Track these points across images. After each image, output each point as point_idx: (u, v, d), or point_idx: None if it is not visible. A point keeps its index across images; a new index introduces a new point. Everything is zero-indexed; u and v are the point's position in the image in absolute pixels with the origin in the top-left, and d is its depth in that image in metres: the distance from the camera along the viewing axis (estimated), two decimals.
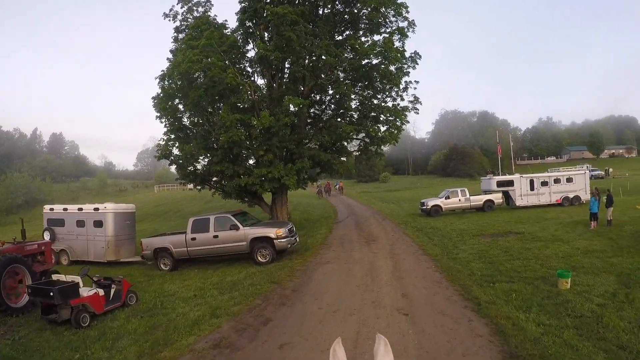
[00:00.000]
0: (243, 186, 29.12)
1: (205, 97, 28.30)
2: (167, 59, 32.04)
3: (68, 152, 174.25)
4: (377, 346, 2.73)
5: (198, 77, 28.36)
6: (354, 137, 33.28)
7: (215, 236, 22.82)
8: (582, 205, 39.35)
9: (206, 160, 32.10)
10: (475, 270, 17.00)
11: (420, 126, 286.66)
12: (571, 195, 41.67)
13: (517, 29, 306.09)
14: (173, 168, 34.25)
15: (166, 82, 31.18)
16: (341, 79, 30.64)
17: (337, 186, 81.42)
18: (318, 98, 35.06)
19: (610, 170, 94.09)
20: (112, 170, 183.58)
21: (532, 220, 31.83)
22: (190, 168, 31.98)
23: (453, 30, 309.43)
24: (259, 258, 22.09)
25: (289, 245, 22.61)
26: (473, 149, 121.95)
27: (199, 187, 34.24)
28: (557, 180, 42.26)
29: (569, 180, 42.29)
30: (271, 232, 22.21)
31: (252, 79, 31.15)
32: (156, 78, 31.57)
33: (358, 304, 13.62)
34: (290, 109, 27.61)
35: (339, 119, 31.70)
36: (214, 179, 32.96)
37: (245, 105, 28.35)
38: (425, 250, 22.21)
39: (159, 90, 31.47)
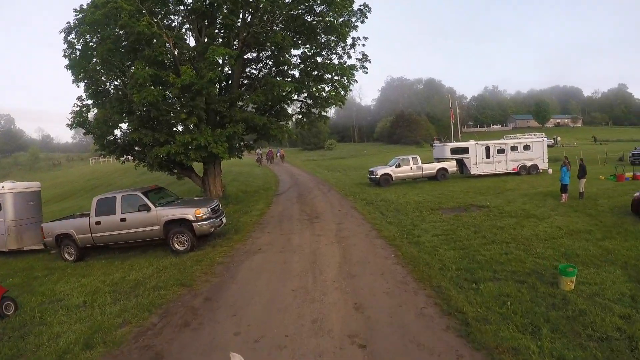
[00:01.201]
0: (166, 156, 24.84)
1: (115, 51, 23.76)
2: (74, 9, 26.59)
3: (3, 126, 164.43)
4: None
5: (107, 27, 23.50)
6: (294, 97, 29.14)
7: (123, 219, 18.39)
8: (541, 175, 37.82)
9: (124, 127, 27.35)
10: (446, 260, 13.20)
11: (366, 93, 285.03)
12: (529, 164, 39.36)
13: None
14: (91, 138, 29.03)
15: (73, 37, 26.21)
16: (279, 29, 26.04)
17: (279, 154, 77.80)
18: (255, 56, 30.55)
19: (559, 138, 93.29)
20: (50, 143, 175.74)
21: (492, 191, 29.03)
22: (109, 137, 27.59)
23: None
24: (176, 245, 17.78)
25: (212, 229, 18.24)
26: (420, 116, 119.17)
27: (122, 159, 29.80)
28: (514, 148, 39.64)
29: (527, 148, 39.79)
30: (189, 213, 17.80)
31: (181, 33, 26.11)
32: (61, 32, 26.45)
33: (292, 325, 9.40)
34: (218, 61, 22.91)
35: (277, 78, 27.05)
36: (137, 148, 28.37)
37: (164, 61, 23.45)
38: (379, 230, 18.31)
39: (66, 47, 26.46)
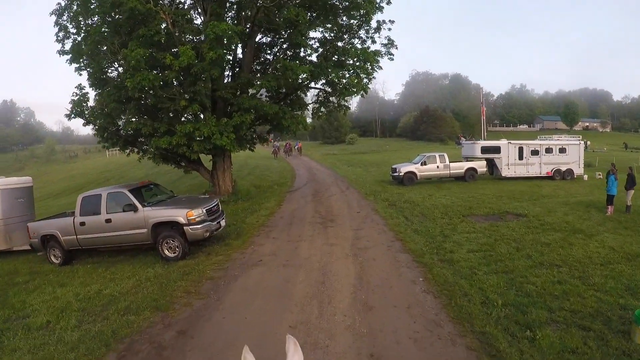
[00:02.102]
0: (168, 148, 22.70)
1: (113, 33, 21.65)
2: None
3: (23, 119, 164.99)
4: (287, 346, 2.78)
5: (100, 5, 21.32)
6: (311, 84, 26.37)
7: (108, 220, 15.95)
8: (576, 181, 34.94)
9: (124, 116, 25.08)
10: (489, 290, 10.39)
11: (389, 87, 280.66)
12: (564, 168, 36.29)
13: None
14: (91, 129, 26.70)
15: (66, 19, 24.39)
16: (292, 4, 23.28)
17: (297, 147, 75.76)
18: (269, 41, 28.25)
19: (589, 143, 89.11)
20: (70, 136, 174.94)
21: (527, 196, 26.37)
22: (111, 128, 25.42)
23: None
24: (166, 252, 15.31)
25: (208, 233, 15.56)
26: (445, 113, 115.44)
27: (127, 152, 27.43)
28: (548, 150, 36.60)
29: (562, 150, 36.79)
30: (179, 215, 15.18)
31: (183, 10, 23.37)
32: (52, 14, 24.45)
33: None
34: (221, 39, 20.20)
35: (291, 61, 24.27)
36: (140, 140, 26.17)
37: (161, 41, 20.84)
38: (404, 241, 15.46)
39: (57, 30, 24.54)
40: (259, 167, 50.00)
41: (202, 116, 23.09)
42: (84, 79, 22.67)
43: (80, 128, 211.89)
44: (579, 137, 39.63)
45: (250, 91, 24.69)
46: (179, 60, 19.32)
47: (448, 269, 12.07)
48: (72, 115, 24.64)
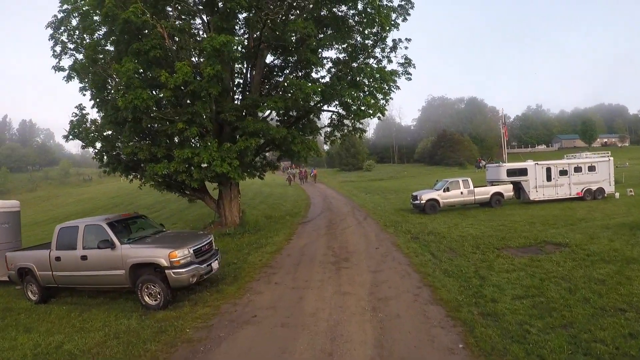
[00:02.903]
0: (167, 175, 20.83)
1: (104, 48, 20.20)
2: None
3: (42, 140, 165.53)
4: None
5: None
6: (323, 107, 23.81)
7: (84, 257, 13.50)
8: (608, 200, 32.56)
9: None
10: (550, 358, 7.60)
11: (405, 112, 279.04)
12: (594, 187, 33.36)
13: (503, 16, 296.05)
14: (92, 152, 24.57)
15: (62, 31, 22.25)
16: (299, 17, 20.84)
17: (312, 174, 73.47)
18: (279, 62, 25.96)
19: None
20: (89, 159, 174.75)
21: (561, 221, 23.67)
22: (111, 151, 23.37)
23: (439, 14, 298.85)
24: (146, 298, 12.70)
25: (194, 279, 12.78)
26: (462, 136, 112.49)
27: (130, 178, 25.13)
28: (577, 169, 33.55)
29: (592, 168, 33.77)
30: (161, 257, 12.45)
31: (182, 25, 20.90)
32: (47, 26, 22.35)
33: None
34: (221, 53, 17.72)
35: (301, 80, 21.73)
36: (142, 165, 23.45)
37: (158, 56, 18.40)
38: (433, 287, 12.50)
39: (52, 43, 22.32)
40: (273, 196, 47.51)
41: (201, 140, 20.70)
42: (87, 99, 20.83)
43: None
44: (608, 153, 36.38)
45: (260, 114, 22.34)
46: (174, 77, 16.94)
47: (493, 328, 9.14)
48: (70, 137, 22.76)
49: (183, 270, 12.35)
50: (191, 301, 12.78)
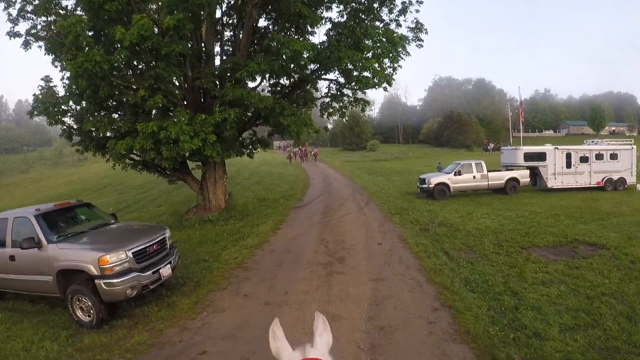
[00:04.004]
0: (135, 153, 18.02)
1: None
2: None
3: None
4: (316, 323, 2.39)
5: None
6: (319, 73, 20.41)
7: (12, 257, 10.53)
8: (630, 192, 29.20)
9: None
10: None
11: (411, 92, 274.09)
12: (615, 177, 30.00)
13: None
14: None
15: None
16: None
17: (312, 152, 71.65)
18: (270, 24, 22.65)
19: None
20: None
21: (587, 214, 20.37)
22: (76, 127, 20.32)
23: None
24: (78, 313, 9.69)
25: (134, 292, 9.56)
26: (470, 118, 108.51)
27: (107, 158, 21.02)
28: (599, 156, 30.07)
29: (614, 156, 30.30)
30: (88, 262, 9.27)
31: None
32: None
33: None
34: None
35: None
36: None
37: (114, 8, 15.00)
38: (454, 309, 9.16)
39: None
40: (270, 175, 44.24)
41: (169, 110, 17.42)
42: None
43: None
44: (631, 140, 32.90)
45: (250, 83, 19.04)
46: (129, 32, 13.64)
47: None
48: (35, 113, 19.61)
49: (117, 280, 9.19)
50: (132, 319, 9.61)
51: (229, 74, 17.51)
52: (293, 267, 12.88)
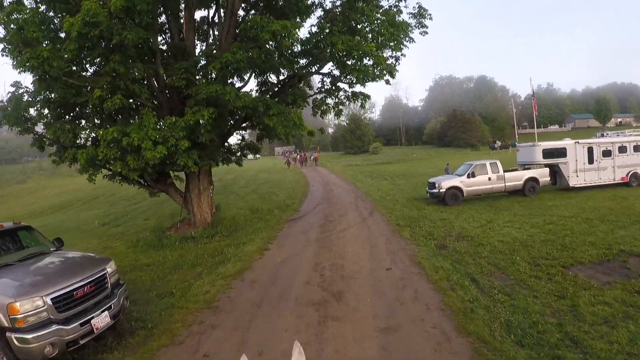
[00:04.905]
0: (98, 163, 15.24)
1: None
2: None
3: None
4: (293, 350, 2.76)
5: None
6: (311, 65, 17.60)
7: None
8: None
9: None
10: None
11: (412, 92, 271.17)
12: None
13: None
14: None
15: None
16: None
17: (312, 157, 69.80)
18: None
19: None
20: None
21: (623, 217, 17.48)
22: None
23: None
24: None
25: (53, 351, 6.86)
26: (473, 116, 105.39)
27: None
28: (622, 149, 27.05)
29: (637, 148, 27.20)
30: None
31: None
32: None
33: None
34: None
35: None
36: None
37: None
38: None
39: None
40: (268, 183, 41.34)
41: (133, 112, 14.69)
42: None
43: None
44: None
45: (238, 83, 16.27)
46: (75, 18, 10.93)
47: None
48: (2, 121, 16.77)
49: (31, 336, 6.69)
50: None
51: (201, 70, 14.73)
52: (276, 309, 9.91)
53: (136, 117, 15.68)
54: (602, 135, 30.54)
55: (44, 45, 12.61)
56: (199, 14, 21.06)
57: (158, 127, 13.40)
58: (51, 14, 14.58)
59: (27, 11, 12.35)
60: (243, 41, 15.36)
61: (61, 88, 13.61)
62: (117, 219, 29.00)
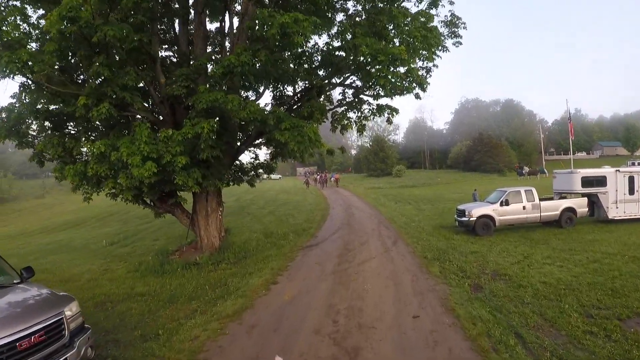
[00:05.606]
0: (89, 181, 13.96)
1: None
2: None
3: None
4: None
5: None
6: (330, 75, 15.83)
7: None
8: None
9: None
10: None
11: (437, 116, 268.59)
12: None
13: (535, 15, 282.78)
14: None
15: None
16: None
17: (333, 178, 69.15)
18: None
19: None
20: None
21: None
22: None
23: (471, 16, 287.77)
24: None
25: None
26: (500, 141, 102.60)
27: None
28: None
29: None
30: None
31: None
32: None
33: None
34: None
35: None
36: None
37: None
38: None
39: None
40: (288, 205, 39.58)
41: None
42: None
43: None
44: None
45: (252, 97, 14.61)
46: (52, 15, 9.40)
47: None
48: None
49: None
50: None
51: (204, 76, 13.04)
52: None
53: (124, 128, 14.06)
54: (634, 164, 28.09)
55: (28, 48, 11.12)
56: (212, 27, 19.66)
57: (153, 141, 11.70)
58: (34, 13, 13.21)
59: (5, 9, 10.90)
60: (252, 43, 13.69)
61: (46, 96, 12.05)
62: (127, 238, 27.50)
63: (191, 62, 15.20)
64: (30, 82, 11.76)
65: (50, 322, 6.68)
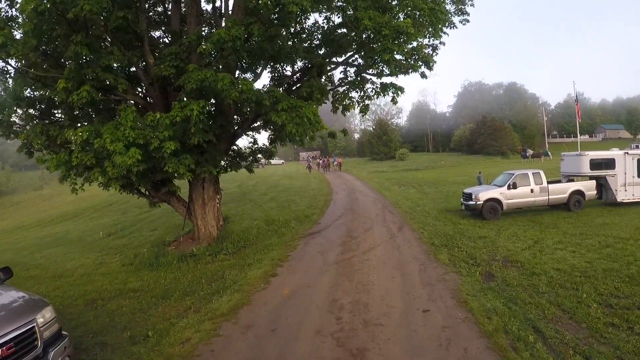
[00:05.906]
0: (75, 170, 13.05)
1: None
2: None
3: None
4: None
5: None
6: (330, 54, 14.97)
7: None
8: None
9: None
10: None
11: (440, 99, 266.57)
12: None
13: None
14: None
15: None
16: None
17: (335, 163, 68.43)
18: None
19: None
20: None
21: None
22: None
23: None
24: None
25: None
26: (503, 123, 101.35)
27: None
28: None
29: None
30: None
31: None
32: None
33: None
34: None
35: None
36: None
37: None
38: None
39: None
40: (290, 190, 38.64)
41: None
42: None
43: None
44: None
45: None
46: None
47: None
48: None
49: None
50: None
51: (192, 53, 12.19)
52: None
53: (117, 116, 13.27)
54: (637, 147, 27.27)
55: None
56: (208, 7, 18.74)
57: (139, 126, 10.87)
58: None
59: None
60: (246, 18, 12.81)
61: (28, 82, 11.25)
62: (125, 229, 26.76)
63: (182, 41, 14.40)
64: (9, 67, 10.95)
65: (20, 332, 5.95)
